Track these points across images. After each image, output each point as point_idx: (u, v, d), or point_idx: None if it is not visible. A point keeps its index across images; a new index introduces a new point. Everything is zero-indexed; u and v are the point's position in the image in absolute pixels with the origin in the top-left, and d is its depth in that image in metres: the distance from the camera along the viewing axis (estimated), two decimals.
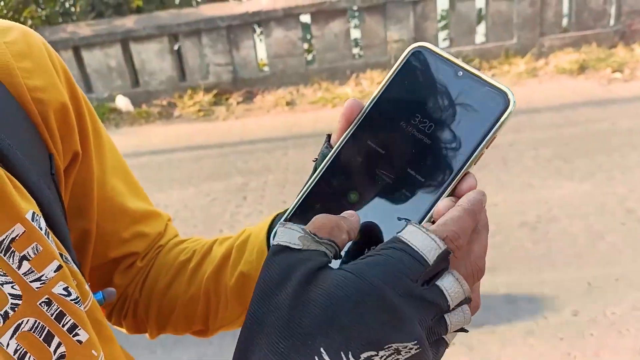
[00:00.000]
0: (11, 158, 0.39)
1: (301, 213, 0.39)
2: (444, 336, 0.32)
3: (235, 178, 3.86)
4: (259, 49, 6.01)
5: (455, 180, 0.35)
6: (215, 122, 5.27)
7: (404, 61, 0.39)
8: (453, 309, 0.32)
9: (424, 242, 0.31)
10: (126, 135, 5.14)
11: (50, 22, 6.20)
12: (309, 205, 0.39)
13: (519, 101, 0.39)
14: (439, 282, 0.31)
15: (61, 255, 0.40)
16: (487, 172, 3.36)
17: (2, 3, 5.93)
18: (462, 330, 0.33)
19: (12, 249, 0.36)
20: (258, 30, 6.26)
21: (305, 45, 6.20)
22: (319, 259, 0.31)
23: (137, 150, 4.63)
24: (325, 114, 5.08)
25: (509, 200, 3.05)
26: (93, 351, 0.40)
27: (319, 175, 0.39)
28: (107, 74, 5.79)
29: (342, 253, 0.34)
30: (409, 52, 0.39)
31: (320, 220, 0.34)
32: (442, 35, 6.31)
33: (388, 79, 0.39)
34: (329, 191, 0.38)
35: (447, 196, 0.35)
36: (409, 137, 0.37)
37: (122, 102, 5.66)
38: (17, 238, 0.37)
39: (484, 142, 0.35)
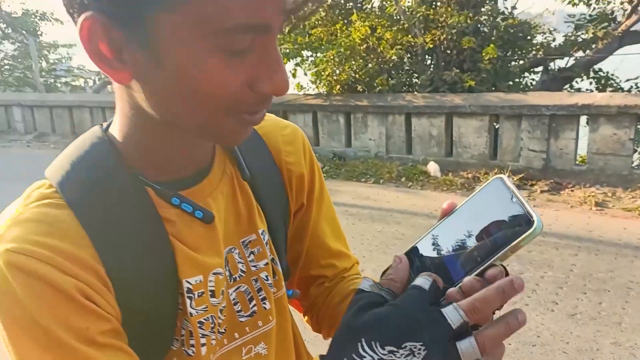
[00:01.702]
0: (262, 194, 0.71)
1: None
2: None
3: (512, 264, 3.86)
4: (580, 142, 5.78)
5: (482, 267, 0.53)
6: None
7: (486, 185, 0.58)
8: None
9: (453, 313, 0.50)
10: (427, 197, 5.62)
11: (394, 90, 7.27)
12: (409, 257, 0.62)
13: None
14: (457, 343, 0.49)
15: (272, 259, 0.71)
16: None
17: (363, 70, 7.24)
18: None
19: (248, 246, 0.70)
20: (584, 123, 6.02)
21: (636, 147, 5.66)
22: (376, 297, 0.53)
23: (431, 213, 5.04)
24: (637, 224, 4.56)
25: None
26: (270, 317, 0.71)
27: (412, 245, 0.61)
28: (427, 141, 6.45)
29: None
30: (491, 180, 0.58)
31: (385, 278, 0.56)
32: None
33: (473, 195, 0.59)
34: (414, 255, 0.60)
35: (474, 275, 0.53)
36: (467, 231, 0.56)
37: (433, 168, 6.20)
38: (251, 241, 0.70)
39: (508, 247, 0.52)
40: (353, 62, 7.18)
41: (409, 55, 7.65)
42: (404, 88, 7.52)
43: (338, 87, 7.28)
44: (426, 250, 0.59)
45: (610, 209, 4.98)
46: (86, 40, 0.50)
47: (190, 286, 0.61)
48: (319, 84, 7.59)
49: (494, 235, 0.54)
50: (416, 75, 7.65)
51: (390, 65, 7.46)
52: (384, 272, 0.58)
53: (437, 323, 0.49)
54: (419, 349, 0.48)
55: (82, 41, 0.50)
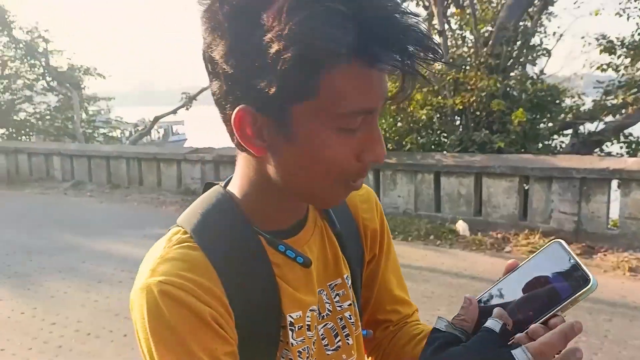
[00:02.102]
0: (347, 245, 0.83)
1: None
2: None
3: None
4: (612, 206, 5.74)
5: (546, 316, 0.61)
6: None
7: (546, 247, 0.67)
8: None
9: (521, 355, 0.57)
10: (456, 256, 5.60)
11: (424, 149, 7.39)
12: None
13: None
14: None
15: (352, 301, 0.82)
16: None
17: (393, 128, 7.41)
18: None
19: (334, 288, 0.80)
20: (615, 187, 6.00)
21: None
22: (451, 336, 0.61)
23: (460, 272, 5.01)
24: None
25: None
26: (352, 351, 0.81)
27: (480, 295, 0.69)
28: (456, 199, 6.48)
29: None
30: (550, 242, 0.66)
31: (457, 318, 0.64)
32: None
33: (534, 255, 0.67)
34: (482, 303, 0.68)
35: (539, 323, 0.60)
36: (530, 284, 0.64)
37: (462, 227, 6.20)
38: (337, 284, 0.81)
39: (569, 300, 0.60)
40: (383, 121, 7.36)
41: (438, 115, 7.82)
42: (433, 147, 7.64)
43: None
44: (493, 299, 0.67)
45: None
46: (237, 126, 0.64)
47: (292, 320, 0.73)
48: None
49: (555, 289, 0.63)
50: (445, 135, 7.78)
51: (420, 124, 7.63)
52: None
53: None
54: None
55: (234, 125, 0.64)
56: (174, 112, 13.56)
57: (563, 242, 0.65)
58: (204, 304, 0.63)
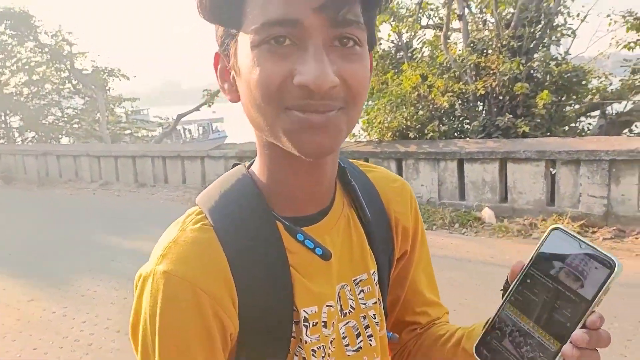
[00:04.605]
0: (375, 238, 0.77)
1: (492, 326, 0.64)
2: None
3: None
4: None
5: (585, 317, 0.56)
6: None
7: (547, 237, 0.61)
8: None
9: None
10: (482, 243, 5.52)
11: (446, 136, 7.28)
12: (495, 323, 0.64)
13: None
14: None
15: (378, 300, 0.77)
16: None
17: (415, 117, 7.32)
18: None
19: (359, 284, 0.75)
20: None
21: None
22: None
23: (486, 260, 4.93)
24: None
25: None
26: (375, 353, 0.75)
27: (501, 305, 0.64)
28: (480, 187, 6.38)
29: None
30: (549, 231, 0.60)
31: None
32: None
33: (537, 249, 0.61)
34: (506, 314, 0.63)
35: (579, 328, 0.56)
36: (550, 287, 0.59)
37: (488, 214, 6.10)
38: (362, 280, 0.75)
39: (601, 292, 0.55)
40: (404, 110, 7.27)
41: (460, 101, 7.68)
42: (456, 134, 7.52)
43: (389, 134, 7.36)
44: (515, 313, 0.62)
45: None
46: (215, 68, 0.68)
47: (307, 315, 0.68)
48: (371, 131, 7.71)
49: (581, 283, 0.57)
50: (468, 121, 7.65)
51: (442, 112, 7.51)
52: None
53: None
54: None
55: (214, 69, 0.68)
56: (197, 109, 13.68)
57: (562, 226, 0.60)
58: (207, 294, 0.61)
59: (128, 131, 16.34)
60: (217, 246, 0.64)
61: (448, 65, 7.69)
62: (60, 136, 15.67)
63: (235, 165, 0.75)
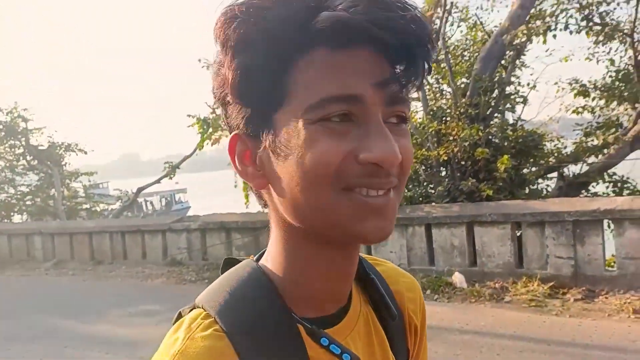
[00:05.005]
0: (394, 338, 0.71)
1: None
2: None
3: None
4: (608, 247, 5.65)
5: None
6: (547, 316, 5.05)
7: None
8: None
9: None
10: (455, 310, 5.41)
11: (412, 202, 7.32)
12: None
13: None
14: None
15: None
16: None
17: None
18: None
19: None
20: (608, 228, 5.94)
21: None
22: None
23: (462, 328, 4.81)
24: None
25: None
26: None
27: None
28: (449, 251, 6.35)
29: None
30: None
31: None
32: None
33: None
34: None
35: None
36: None
37: (458, 278, 6.03)
38: None
39: None
40: None
41: (424, 167, 7.81)
42: (421, 199, 7.58)
43: None
44: None
45: None
46: (231, 155, 0.60)
47: None
48: None
49: None
50: (432, 186, 7.75)
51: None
52: None
53: None
54: None
55: (230, 156, 0.60)
56: (158, 181, 13.46)
57: None
58: None
59: (85, 206, 15.85)
60: (232, 356, 0.55)
61: (410, 132, 7.88)
62: (12, 214, 15.03)
63: (228, 259, 0.68)
